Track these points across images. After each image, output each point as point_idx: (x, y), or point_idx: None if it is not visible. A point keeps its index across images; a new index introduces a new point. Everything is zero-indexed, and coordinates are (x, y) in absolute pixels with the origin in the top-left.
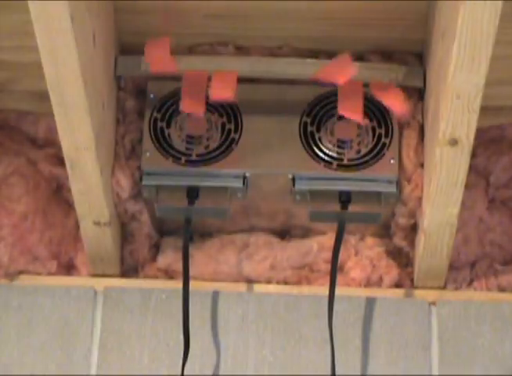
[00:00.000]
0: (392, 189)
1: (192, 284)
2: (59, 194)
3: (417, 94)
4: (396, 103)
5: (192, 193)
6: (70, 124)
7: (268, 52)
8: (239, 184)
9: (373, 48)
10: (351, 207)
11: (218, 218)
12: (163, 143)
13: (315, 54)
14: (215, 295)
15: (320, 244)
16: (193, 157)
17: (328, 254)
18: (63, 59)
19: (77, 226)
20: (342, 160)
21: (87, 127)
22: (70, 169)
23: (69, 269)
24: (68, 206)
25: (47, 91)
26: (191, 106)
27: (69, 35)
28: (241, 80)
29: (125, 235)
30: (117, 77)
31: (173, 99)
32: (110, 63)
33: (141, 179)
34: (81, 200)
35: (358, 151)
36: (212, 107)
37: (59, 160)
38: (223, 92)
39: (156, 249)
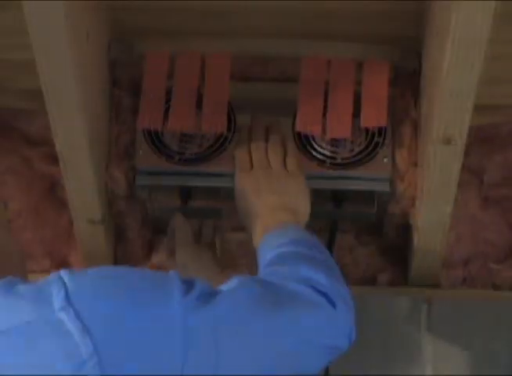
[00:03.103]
0: (385, 187)
1: None
2: (52, 192)
3: (411, 92)
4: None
5: (186, 193)
6: (64, 123)
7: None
8: (232, 183)
9: (371, 45)
10: (345, 206)
11: (211, 218)
12: (156, 142)
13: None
14: None
15: None
16: (187, 156)
17: None
18: (57, 57)
19: (70, 225)
20: (335, 158)
21: (80, 125)
22: (63, 168)
23: (63, 267)
24: (62, 204)
25: (42, 89)
26: (179, 123)
27: (62, 33)
28: (235, 78)
29: (119, 233)
30: (111, 76)
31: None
32: (105, 62)
33: (134, 178)
34: (75, 199)
35: (352, 150)
36: None
37: (54, 159)
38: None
39: (149, 248)
